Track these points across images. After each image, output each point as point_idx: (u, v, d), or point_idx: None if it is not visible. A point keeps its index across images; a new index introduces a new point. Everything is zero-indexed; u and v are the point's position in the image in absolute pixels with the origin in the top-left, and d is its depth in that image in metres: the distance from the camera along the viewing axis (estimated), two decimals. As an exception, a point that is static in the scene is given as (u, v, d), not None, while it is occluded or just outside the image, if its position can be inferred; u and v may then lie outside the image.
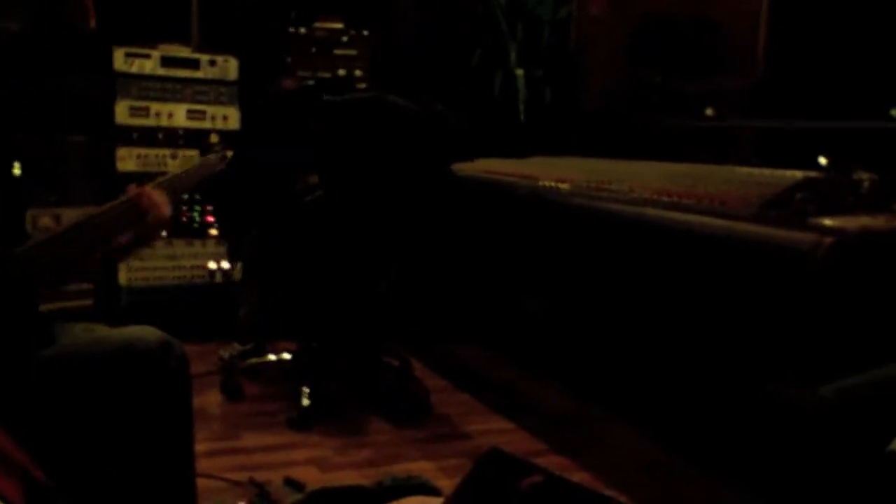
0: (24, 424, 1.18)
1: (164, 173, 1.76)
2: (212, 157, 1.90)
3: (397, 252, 3.06)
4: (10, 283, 1.40)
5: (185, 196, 3.62)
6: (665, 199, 2.17)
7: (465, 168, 3.34)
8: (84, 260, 1.58)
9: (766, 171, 2.26)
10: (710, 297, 2.28)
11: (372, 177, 2.88)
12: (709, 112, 3.33)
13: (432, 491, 1.03)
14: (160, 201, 1.64)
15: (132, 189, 1.64)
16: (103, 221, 1.56)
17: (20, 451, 0.70)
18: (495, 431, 2.87)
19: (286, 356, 3.28)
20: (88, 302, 3.34)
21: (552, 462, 2.51)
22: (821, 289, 1.69)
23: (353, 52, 4.07)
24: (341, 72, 4.02)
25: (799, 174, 2.08)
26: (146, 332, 1.56)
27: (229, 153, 1.96)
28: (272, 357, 3.26)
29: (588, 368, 3.22)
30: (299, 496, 1.53)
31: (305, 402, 2.84)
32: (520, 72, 4.23)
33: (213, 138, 2.00)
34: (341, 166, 2.92)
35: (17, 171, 1.64)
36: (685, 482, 2.48)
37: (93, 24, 1.75)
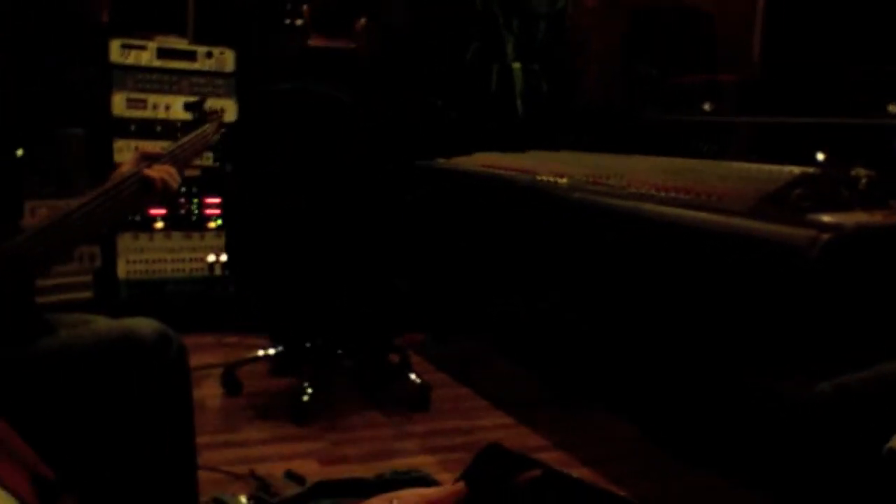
0: (25, 418, 1.19)
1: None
2: (208, 127, 1.90)
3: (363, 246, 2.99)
4: (8, 274, 1.40)
5: (183, 189, 3.63)
6: (662, 194, 2.18)
7: (461, 162, 3.35)
8: (92, 237, 1.59)
9: (764, 167, 2.27)
10: (707, 293, 2.30)
11: (305, 171, 2.82)
12: (706, 107, 3.34)
13: (433, 484, 1.04)
14: (169, 175, 1.65)
15: (141, 164, 1.65)
16: (113, 202, 1.57)
17: (27, 446, 0.71)
18: (495, 426, 2.88)
19: (283, 350, 3.29)
20: (88, 294, 3.34)
21: (552, 458, 2.53)
22: (817, 285, 1.70)
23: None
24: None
25: (796, 170, 2.09)
26: (145, 324, 1.57)
27: (224, 123, 1.96)
28: (272, 351, 3.27)
29: (588, 364, 3.23)
30: (300, 489, 1.53)
31: (306, 397, 2.85)
32: (516, 65, 4.24)
33: (208, 106, 1.99)
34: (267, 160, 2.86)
35: (19, 153, 1.64)
36: (685, 478, 2.49)
37: (105, 17, 1.75)
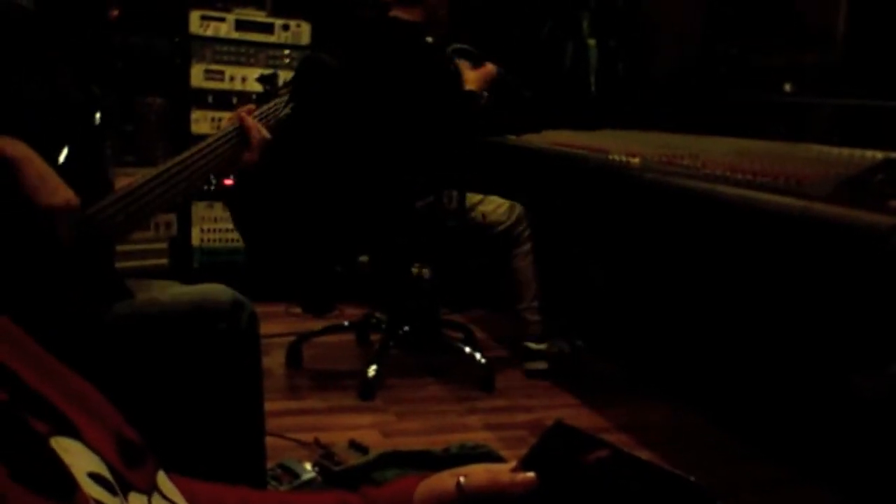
0: (103, 381, 1.22)
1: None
2: (278, 101, 1.92)
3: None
4: (90, 238, 1.43)
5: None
6: (738, 176, 2.13)
7: (532, 139, 3.33)
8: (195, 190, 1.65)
9: (845, 151, 2.20)
10: (782, 278, 2.25)
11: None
12: (787, 87, 3.25)
13: (498, 460, 1.04)
14: (262, 127, 1.72)
15: (241, 118, 1.71)
16: (215, 152, 1.62)
17: (112, 408, 0.73)
18: (557, 406, 2.87)
19: (347, 323, 3.34)
20: (163, 261, 3.43)
21: (613, 440, 2.51)
22: (897, 274, 1.64)
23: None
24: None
25: (879, 155, 2.02)
26: (219, 291, 1.59)
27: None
28: (341, 323, 3.32)
29: (652, 346, 3.20)
30: (364, 458, 1.55)
31: (371, 373, 2.87)
32: (591, 42, 4.17)
33: (281, 80, 2.02)
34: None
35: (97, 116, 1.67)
36: (751, 468, 2.45)
37: None
